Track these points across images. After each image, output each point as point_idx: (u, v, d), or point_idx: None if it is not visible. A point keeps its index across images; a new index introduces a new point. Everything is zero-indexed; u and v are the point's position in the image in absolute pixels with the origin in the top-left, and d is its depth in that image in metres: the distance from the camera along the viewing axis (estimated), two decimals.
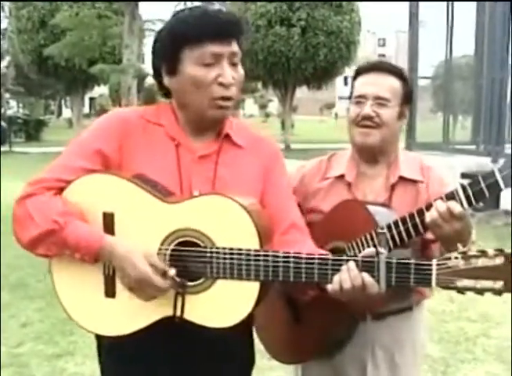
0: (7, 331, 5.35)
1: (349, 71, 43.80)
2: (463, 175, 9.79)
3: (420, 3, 18.97)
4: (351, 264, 1.77)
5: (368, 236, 2.13)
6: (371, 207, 2.21)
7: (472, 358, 4.95)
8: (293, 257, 1.78)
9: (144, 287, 1.76)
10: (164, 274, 1.77)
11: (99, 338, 2.02)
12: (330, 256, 1.80)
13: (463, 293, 1.77)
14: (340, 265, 1.78)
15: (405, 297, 2.31)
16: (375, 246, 1.78)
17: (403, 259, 1.78)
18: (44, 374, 4.64)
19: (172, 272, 1.77)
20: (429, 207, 2.04)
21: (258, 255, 1.78)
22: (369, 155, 2.36)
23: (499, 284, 1.69)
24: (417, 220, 2.08)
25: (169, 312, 1.81)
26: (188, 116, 1.93)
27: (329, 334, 2.25)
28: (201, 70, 1.84)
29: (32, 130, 37.00)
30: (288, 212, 2.03)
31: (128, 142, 1.90)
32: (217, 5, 1.93)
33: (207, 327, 1.80)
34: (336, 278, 1.79)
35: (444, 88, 19.65)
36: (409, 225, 2.09)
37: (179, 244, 1.81)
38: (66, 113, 60.41)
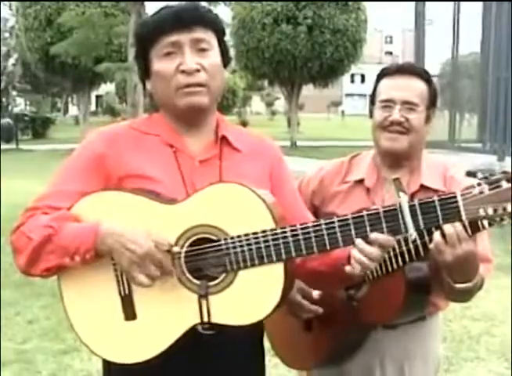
0: (13, 328, 5.41)
1: (355, 69, 43.77)
2: (468, 174, 9.77)
3: (427, 2, 18.95)
4: (359, 242, 1.69)
5: None
6: None
7: (475, 356, 4.95)
8: (313, 226, 1.69)
9: (147, 265, 1.67)
10: (172, 260, 1.69)
11: (107, 364, 1.91)
12: (350, 215, 1.70)
13: (493, 223, 1.68)
14: (362, 222, 1.69)
15: (420, 309, 2.24)
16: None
17: (426, 199, 1.68)
18: (50, 370, 4.67)
19: (176, 248, 1.70)
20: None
21: (276, 234, 1.68)
22: (394, 160, 2.31)
23: None
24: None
25: (195, 319, 1.71)
26: (170, 115, 1.89)
27: (339, 343, 2.22)
28: (163, 62, 1.82)
29: (39, 127, 37.05)
30: (301, 210, 2.01)
31: (120, 160, 1.83)
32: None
33: (236, 326, 1.70)
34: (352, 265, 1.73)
35: (450, 86, 19.63)
36: (427, 238, 2.00)
37: (192, 244, 1.72)
38: (73, 110, 60.45)
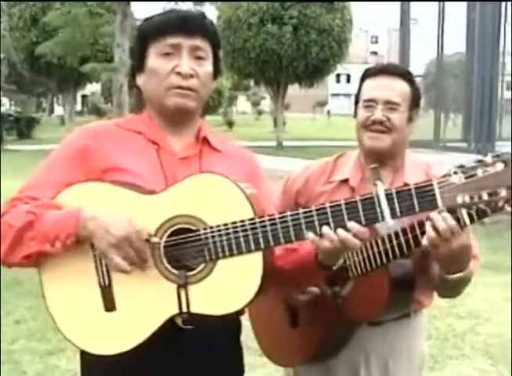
0: (2, 328, 5.37)
1: (341, 69, 43.87)
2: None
3: (412, 1, 19.04)
4: (325, 229, 1.70)
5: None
6: None
7: (460, 354, 5.01)
8: (291, 215, 1.70)
9: (125, 248, 1.69)
10: (151, 250, 1.72)
11: (85, 359, 1.93)
12: (328, 204, 1.71)
13: (471, 213, 1.70)
14: (340, 211, 1.69)
15: (404, 306, 2.27)
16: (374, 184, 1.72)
17: (403, 187, 1.70)
18: (36, 370, 4.68)
19: (155, 239, 1.72)
20: (429, 219, 2.00)
21: (254, 223, 1.70)
22: (377, 159, 2.31)
23: (506, 192, 1.59)
24: (418, 232, 2.05)
25: (174, 309, 1.71)
26: (156, 113, 1.94)
27: (325, 339, 2.24)
28: (160, 60, 1.87)
29: (24, 127, 36.84)
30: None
31: (103, 154, 1.87)
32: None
33: (215, 316, 1.71)
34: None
35: (435, 85, 19.72)
36: (410, 236, 2.07)
37: (171, 234, 1.73)
38: (58, 110, 60.21)
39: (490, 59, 15.70)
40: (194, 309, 1.71)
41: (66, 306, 1.79)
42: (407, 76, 2.34)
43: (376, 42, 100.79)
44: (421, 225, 2.05)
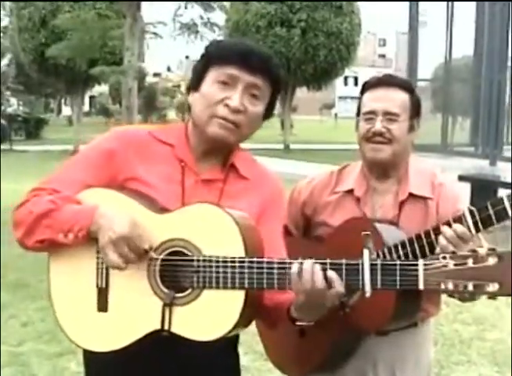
0: (7, 331, 5.40)
1: (349, 72, 43.78)
2: (460, 178, 9.84)
3: (420, 4, 18.98)
4: (295, 268, 1.72)
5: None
6: (379, 226, 2.20)
7: (466, 360, 5.00)
8: (278, 262, 1.75)
9: (121, 246, 1.75)
10: (149, 263, 1.79)
11: (86, 357, 2.04)
12: (313, 260, 1.74)
13: (453, 296, 1.70)
14: (326, 268, 1.72)
15: (411, 316, 2.28)
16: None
17: (389, 261, 1.73)
18: (45, 373, 4.69)
19: (153, 254, 1.78)
20: (436, 229, 2.05)
21: (242, 262, 1.75)
22: (380, 170, 2.35)
23: (493, 286, 1.58)
24: (424, 242, 2.07)
25: (157, 325, 1.79)
26: (196, 134, 1.95)
27: (332, 349, 2.25)
28: (214, 88, 1.87)
29: (32, 128, 36.89)
30: (279, 248, 2.00)
31: (129, 161, 1.91)
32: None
33: (192, 340, 1.78)
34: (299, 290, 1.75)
35: (443, 89, 19.67)
36: (416, 246, 2.09)
37: (170, 254, 1.81)
38: (66, 111, 60.29)
39: (498, 63, 15.66)
40: (174, 330, 1.79)
41: (65, 299, 1.90)
42: (405, 86, 2.36)
43: (384, 45, 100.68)
44: (427, 236, 2.08)
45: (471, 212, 2.04)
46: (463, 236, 1.97)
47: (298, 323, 1.85)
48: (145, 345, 1.82)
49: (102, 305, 1.86)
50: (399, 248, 2.12)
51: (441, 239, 1.99)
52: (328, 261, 1.73)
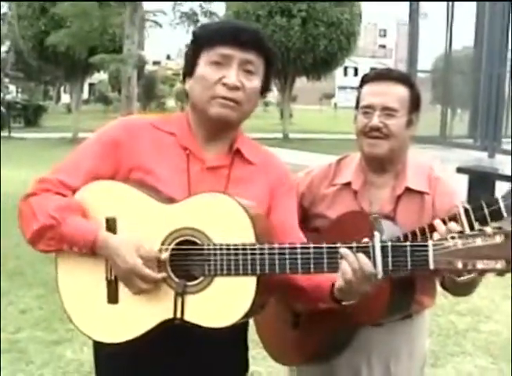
0: (5, 318, 5.42)
1: (349, 62, 43.67)
2: (459, 170, 9.83)
3: None
4: (344, 250, 1.75)
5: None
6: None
7: (461, 351, 5.04)
8: (289, 248, 1.78)
9: (133, 279, 1.80)
10: (159, 263, 1.80)
11: (96, 347, 2.06)
12: (325, 244, 1.78)
13: (462, 275, 1.72)
14: (335, 252, 1.77)
15: (405, 308, 2.28)
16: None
17: (399, 242, 1.77)
18: (42, 360, 4.71)
19: (164, 255, 1.80)
20: (431, 226, 2.03)
21: (254, 249, 1.77)
22: (377, 165, 2.35)
23: (500, 264, 1.62)
24: (419, 239, 2.07)
25: (169, 314, 1.81)
26: (197, 119, 1.96)
27: (325, 341, 2.25)
28: (209, 69, 1.89)
29: (31, 115, 36.76)
30: (296, 232, 2.04)
31: (134, 151, 1.93)
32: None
33: (205, 327, 1.80)
34: (339, 273, 1.78)
35: (443, 80, 19.63)
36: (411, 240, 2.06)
37: (179, 243, 1.82)
38: (65, 98, 60.13)
39: (498, 56, 15.62)
40: (187, 318, 1.81)
41: (75, 292, 1.92)
42: (405, 80, 2.34)
43: (385, 36, 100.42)
44: (422, 232, 2.09)
45: (466, 211, 2.04)
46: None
47: (344, 303, 1.88)
48: (155, 335, 1.84)
49: (113, 297, 1.87)
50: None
51: (436, 237, 1.98)
52: (339, 245, 1.77)
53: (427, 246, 1.69)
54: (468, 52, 20.55)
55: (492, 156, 14.14)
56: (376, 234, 1.75)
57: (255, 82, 1.93)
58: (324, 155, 17.42)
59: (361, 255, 1.75)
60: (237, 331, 1.95)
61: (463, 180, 9.16)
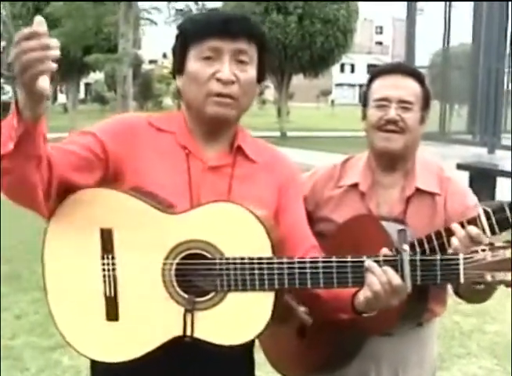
0: (1, 324, 5.32)
1: (345, 59, 43.71)
2: (459, 166, 9.79)
3: None
4: (371, 263, 1.69)
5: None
6: (385, 224, 2.10)
7: (466, 353, 4.97)
8: (310, 262, 1.69)
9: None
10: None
11: (93, 360, 1.90)
12: (349, 258, 1.71)
13: (494, 288, 1.74)
14: (360, 266, 1.69)
15: (417, 317, 2.21)
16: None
17: (428, 255, 1.72)
18: (38, 366, 4.63)
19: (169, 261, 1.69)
20: (448, 230, 1.96)
21: (271, 263, 1.67)
22: (388, 162, 2.26)
23: None
24: (435, 243, 2.00)
25: (177, 331, 1.71)
26: (193, 118, 1.86)
27: (334, 350, 2.17)
28: (200, 65, 1.78)
29: None
30: (307, 234, 1.96)
31: (134, 151, 1.81)
32: None
33: (217, 344, 1.71)
34: (365, 286, 1.72)
35: (441, 76, 19.65)
36: (427, 248, 2.00)
37: (185, 257, 1.71)
38: (61, 98, 60.13)
39: (496, 51, 15.61)
40: (197, 335, 1.72)
41: (68, 309, 1.78)
42: (418, 76, 2.27)
43: (381, 32, 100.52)
44: (438, 236, 1.99)
45: (487, 214, 1.94)
46: (477, 239, 1.86)
47: (364, 315, 1.82)
48: (159, 353, 1.74)
49: (112, 314, 1.75)
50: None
51: (454, 241, 1.88)
52: (365, 258, 1.70)
53: (458, 259, 1.66)
54: (466, 47, 20.59)
55: (492, 151, 14.14)
56: (406, 248, 1.68)
57: (250, 72, 1.83)
58: (323, 153, 17.41)
59: (388, 269, 1.69)
60: (245, 346, 1.84)
61: (464, 177, 9.10)
